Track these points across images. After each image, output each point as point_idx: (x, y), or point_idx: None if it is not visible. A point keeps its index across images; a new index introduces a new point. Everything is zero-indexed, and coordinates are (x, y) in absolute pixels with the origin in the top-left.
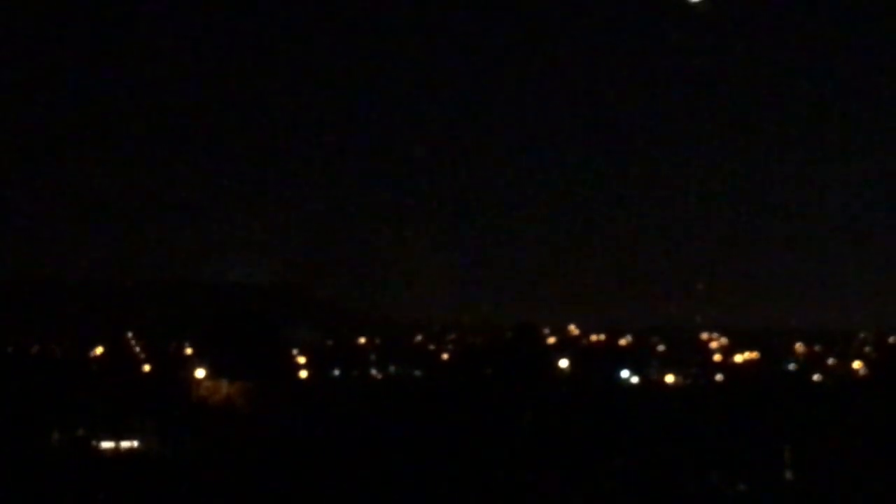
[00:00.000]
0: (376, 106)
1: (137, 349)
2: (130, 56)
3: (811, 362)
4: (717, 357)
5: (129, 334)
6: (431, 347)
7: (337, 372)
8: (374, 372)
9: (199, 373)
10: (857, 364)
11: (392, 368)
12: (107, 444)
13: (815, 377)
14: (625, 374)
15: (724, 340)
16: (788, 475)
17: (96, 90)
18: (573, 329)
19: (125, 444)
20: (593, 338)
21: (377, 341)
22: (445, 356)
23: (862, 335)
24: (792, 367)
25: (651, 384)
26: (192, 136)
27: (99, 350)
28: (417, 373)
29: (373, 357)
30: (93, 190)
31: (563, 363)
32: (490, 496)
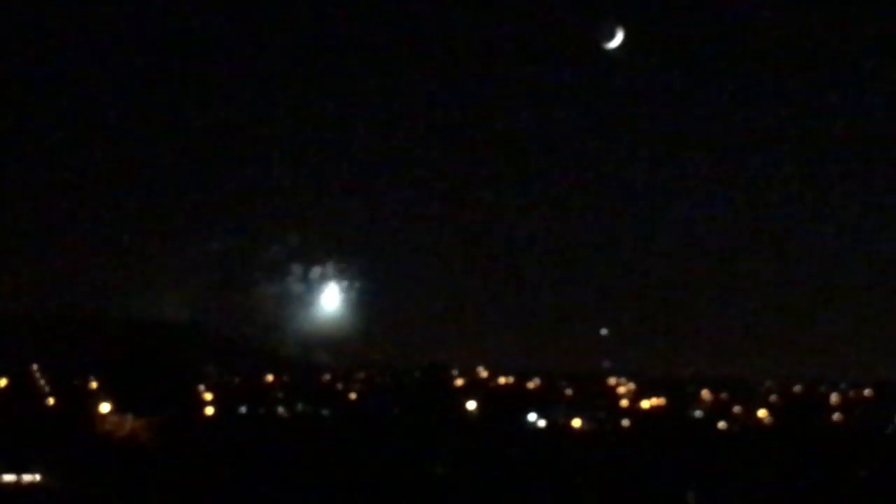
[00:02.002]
0: (289, 145)
1: (42, 382)
2: (52, 81)
3: (717, 410)
4: (624, 402)
5: (34, 367)
6: (339, 386)
7: (244, 409)
8: (280, 410)
9: (105, 407)
10: (762, 412)
11: (300, 406)
12: (8, 478)
13: (721, 424)
14: (532, 417)
15: (631, 386)
16: None
17: (7, 115)
18: (482, 371)
19: (27, 477)
20: (501, 380)
21: (285, 379)
22: (353, 395)
23: (767, 384)
24: (698, 413)
25: (558, 428)
26: (104, 167)
27: (2, 382)
28: (325, 412)
29: (280, 395)
30: None
31: (471, 405)
32: None
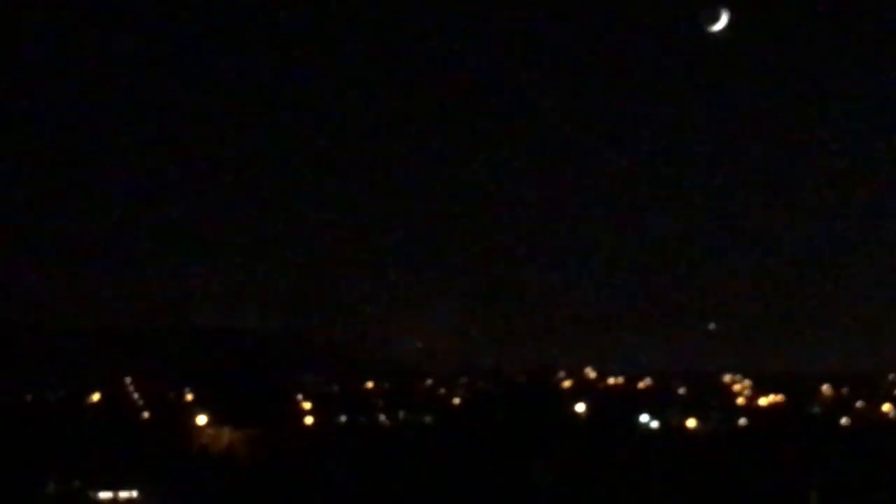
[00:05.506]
0: (377, 146)
1: (136, 395)
2: (129, 92)
3: (838, 405)
4: (740, 400)
5: (128, 380)
6: (442, 392)
7: (344, 418)
8: (382, 418)
9: (201, 420)
10: (886, 406)
11: (401, 414)
12: (104, 495)
13: (843, 421)
14: (644, 418)
15: (747, 383)
16: None
17: (94, 129)
18: (590, 372)
19: (123, 494)
20: (611, 381)
21: (385, 386)
22: (457, 401)
23: (892, 377)
24: (818, 410)
25: (672, 429)
26: (192, 178)
27: (96, 397)
28: (428, 419)
29: (381, 403)
30: (91, 233)
31: (580, 407)
32: None
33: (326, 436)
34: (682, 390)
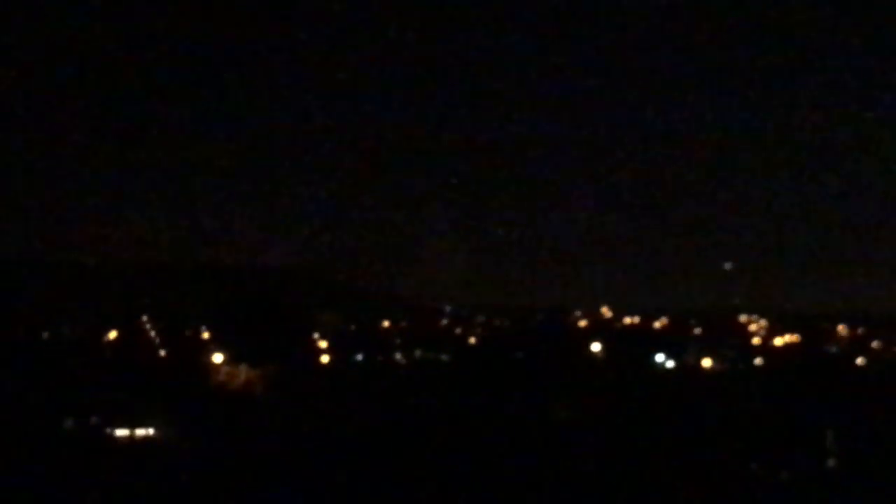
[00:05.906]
0: (398, 89)
1: (153, 333)
2: (150, 41)
3: (854, 345)
4: (756, 340)
5: (144, 318)
6: (458, 331)
7: (360, 356)
8: (398, 356)
9: (217, 358)
10: None
11: (418, 353)
12: (121, 432)
13: (859, 361)
14: (660, 358)
15: (763, 323)
16: (831, 462)
17: (120, 76)
18: (606, 311)
19: (140, 431)
20: (627, 321)
21: (402, 325)
22: (473, 340)
23: None
24: (834, 350)
25: (687, 368)
26: (213, 121)
27: (113, 334)
28: (444, 357)
29: (397, 341)
30: (111, 172)
31: (596, 347)
32: (521, 485)
33: (343, 374)
34: (697, 330)
